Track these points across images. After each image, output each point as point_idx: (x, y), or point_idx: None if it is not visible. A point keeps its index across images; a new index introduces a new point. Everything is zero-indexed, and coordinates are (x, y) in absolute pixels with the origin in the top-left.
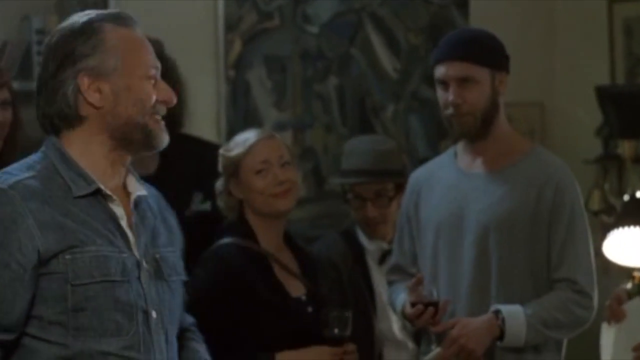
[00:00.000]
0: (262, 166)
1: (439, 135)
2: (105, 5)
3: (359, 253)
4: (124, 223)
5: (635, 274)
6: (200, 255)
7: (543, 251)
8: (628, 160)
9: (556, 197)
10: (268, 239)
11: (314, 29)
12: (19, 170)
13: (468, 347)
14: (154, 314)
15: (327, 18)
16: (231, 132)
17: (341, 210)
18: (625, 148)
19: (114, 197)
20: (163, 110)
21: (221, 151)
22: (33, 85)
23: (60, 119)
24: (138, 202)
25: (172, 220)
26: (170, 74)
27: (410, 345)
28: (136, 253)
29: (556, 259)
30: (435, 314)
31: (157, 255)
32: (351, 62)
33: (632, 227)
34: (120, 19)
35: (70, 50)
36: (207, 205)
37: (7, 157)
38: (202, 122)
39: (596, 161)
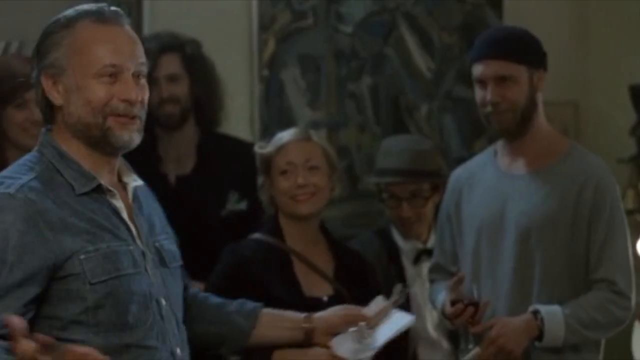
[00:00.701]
0: (286, 167)
1: (473, 135)
2: (139, 6)
3: (393, 252)
4: (125, 216)
5: None
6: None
7: (582, 251)
8: None
9: (596, 197)
10: (295, 237)
11: (347, 29)
12: (20, 173)
13: (507, 348)
14: (163, 302)
15: (361, 17)
16: (265, 132)
17: (374, 209)
18: None
19: (114, 191)
20: (125, 108)
21: (256, 147)
22: None
23: (45, 117)
24: (134, 193)
25: (159, 207)
26: (205, 74)
27: (445, 344)
28: (140, 244)
29: (595, 260)
30: (475, 314)
31: (157, 244)
32: (385, 61)
33: None
34: (100, 15)
35: (38, 48)
36: (242, 205)
37: None
38: (236, 122)
39: (630, 160)
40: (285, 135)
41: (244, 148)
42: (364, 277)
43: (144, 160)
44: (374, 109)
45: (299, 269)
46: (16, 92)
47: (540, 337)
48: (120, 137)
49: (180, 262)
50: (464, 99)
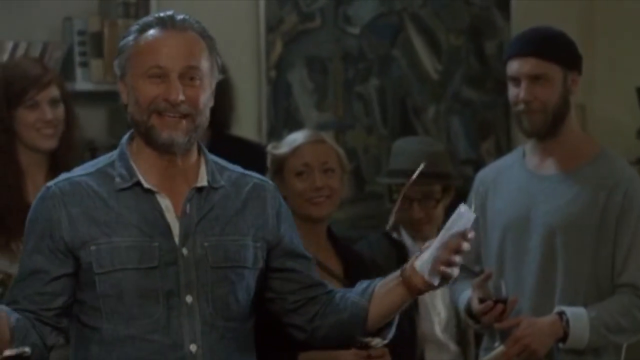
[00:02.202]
0: (303, 169)
1: (479, 137)
2: (147, 7)
3: (402, 254)
4: (169, 214)
5: None
6: None
7: (608, 255)
8: None
9: (625, 202)
10: (307, 239)
11: (355, 30)
12: (82, 169)
13: (531, 347)
14: (188, 299)
15: (369, 19)
16: (272, 133)
17: (381, 211)
18: None
19: (155, 189)
20: (166, 106)
21: (269, 148)
22: (75, 86)
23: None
24: (206, 193)
25: (267, 212)
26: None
27: (452, 347)
28: (176, 240)
29: (620, 264)
30: (504, 312)
31: (206, 244)
32: (392, 63)
33: None
34: (165, 22)
35: (117, 53)
36: None
37: (62, 156)
38: (244, 123)
39: (637, 162)
40: (300, 137)
41: (253, 149)
42: (368, 277)
43: None
44: (381, 110)
45: None
46: (26, 93)
47: (564, 338)
48: (160, 135)
49: (241, 264)
50: (471, 101)
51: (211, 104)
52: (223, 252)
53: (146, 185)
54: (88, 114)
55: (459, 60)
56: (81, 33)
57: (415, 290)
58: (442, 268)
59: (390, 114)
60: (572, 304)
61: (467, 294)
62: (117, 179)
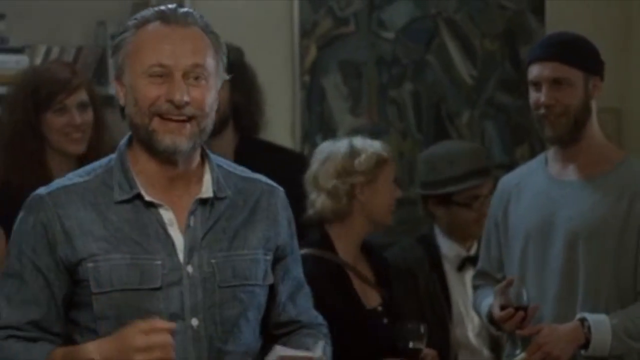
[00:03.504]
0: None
1: (514, 142)
2: None
3: (436, 259)
4: (172, 228)
5: None
6: None
7: (631, 262)
8: None
9: None
10: (346, 249)
11: (389, 35)
12: (76, 175)
13: (553, 354)
14: (194, 322)
15: (403, 24)
16: (306, 138)
17: (416, 216)
18: None
19: (158, 202)
20: (169, 109)
21: (374, 150)
22: (109, 89)
23: (123, 118)
24: (210, 204)
25: (279, 221)
26: (245, 81)
27: (486, 352)
28: (181, 258)
29: None
30: (525, 319)
31: (214, 260)
32: (427, 68)
33: None
34: (166, 16)
35: (111, 49)
36: None
37: (91, 160)
38: (277, 128)
39: None
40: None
41: (284, 155)
42: (400, 283)
43: None
44: (416, 115)
45: (355, 281)
46: (54, 97)
47: (586, 345)
48: (162, 140)
49: (251, 282)
50: (506, 106)
51: (216, 105)
52: (231, 270)
53: (147, 197)
54: (121, 119)
55: (494, 65)
56: (115, 37)
57: None
58: None
59: (424, 119)
60: (594, 310)
61: (489, 300)
62: (116, 190)
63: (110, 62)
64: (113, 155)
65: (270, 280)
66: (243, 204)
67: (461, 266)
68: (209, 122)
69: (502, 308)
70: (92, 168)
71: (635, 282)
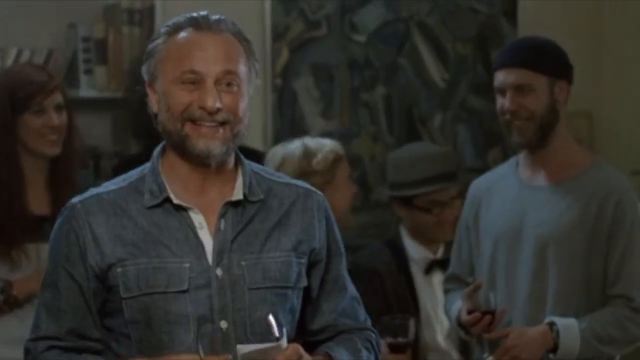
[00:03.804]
0: None
1: (486, 145)
2: (152, 14)
3: (403, 262)
4: (203, 231)
5: None
6: None
7: (600, 266)
8: None
9: (616, 213)
10: None
11: (361, 38)
12: (111, 183)
13: (521, 358)
14: (223, 324)
15: (375, 27)
16: (277, 141)
17: (387, 219)
18: None
19: (187, 205)
20: (201, 115)
21: (329, 149)
22: (79, 93)
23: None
24: (242, 207)
25: (314, 224)
26: None
27: (455, 354)
28: (210, 260)
29: (613, 275)
30: (492, 323)
31: (243, 263)
32: (399, 71)
33: None
34: (199, 22)
35: (144, 55)
36: None
37: (63, 163)
38: (249, 131)
39: None
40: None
41: (256, 157)
42: (366, 285)
43: None
44: (388, 119)
45: None
46: (33, 98)
47: (554, 349)
48: (196, 145)
49: (288, 284)
50: (478, 110)
51: (249, 112)
52: (262, 272)
53: (176, 200)
54: (92, 121)
55: (466, 69)
56: (85, 40)
57: None
58: None
59: (396, 122)
60: (563, 315)
61: (459, 304)
62: (147, 195)
63: (144, 68)
64: (148, 164)
65: (303, 283)
66: (278, 207)
67: (428, 269)
68: (242, 127)
69: (470, 312)
70: (128, 176)
71: (605, 286)
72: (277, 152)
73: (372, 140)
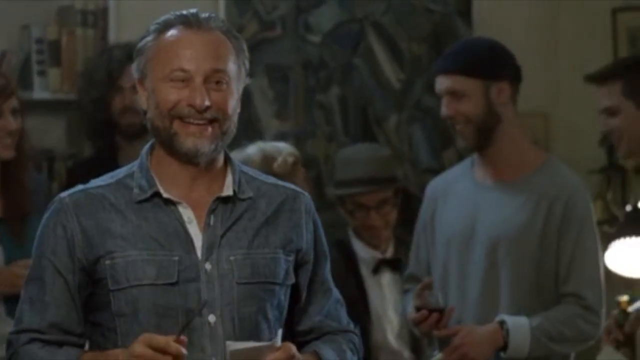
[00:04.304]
0: None
1: (441, 145)
2: (105, 16)
3: (352, 262)
4: (192, 226)
5: (622, 299)
6: None
7: (552, 265)
8: (631, 170)
9: (566, 212)
10: None
11: (316, 39)
12: (100, 180)
13: (469, 356)
14: (211, 318)
15: (330, 27)
16: (232, 142)
17: (342, 220)
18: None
19: (177, 200)
20: (189, 112)
21: (287, 151)
22: (32, 94)
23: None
24: (232, 204)
25: (301, 224)
26: None
27: (407, 354)
28: (199, 255)
29: (564, 274)
30: (440, 320)
31: (232, 258)
32: (354, 71)
33: (634, 238)
34: (188, 20)
35: (134, 53)
36: None
37: (16, 165)
38: None
39: (600, 171)
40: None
41: None
42: None
43: (105, 169)
44: (343, 119)
45: None
46: None
47: (505, 347)
48: (184, 143)
49: (276, 280)
50: (433, 110)
51: (239, 110)
52: (250, 267)
53: (165, 195)
54: (46, 123)
55: (421, 69)
56: (39, 41)
57: None
58: None
59: (351, 123)
60: (515, 314)
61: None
62: (136, 190)
63: (134, 65)
64: (135, 162)
65: (291, 280)
66: (266, 206)
67: (376, 269)
68: (232, 125)
69: (419, 310)
70: (115, 174)
71: (557, 285)
72: (235, 157)
73: (327, 140)
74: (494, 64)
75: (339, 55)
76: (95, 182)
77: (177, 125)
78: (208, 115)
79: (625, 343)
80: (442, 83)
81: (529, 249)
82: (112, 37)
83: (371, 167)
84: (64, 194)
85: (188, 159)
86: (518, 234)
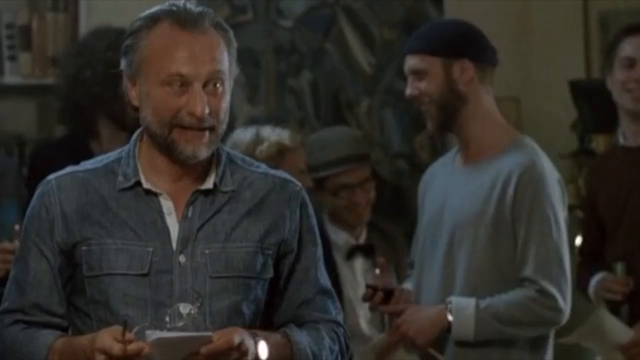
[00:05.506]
0: None
1: (413, 130)
2: (75, 3)
3: (326, 248)
4: (171, 217)
5: None
6: None
7: (510, 250)
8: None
9: (517, 194)
10: None
11: (287, 23)
12: (89, 162)
13: (409, 335)
14: (182, 309)
15: (301, 12)
16: None
17: (315, 204)
18: (599, 143)
19: (158, 191)
20: (190, 121)
21: (277, 139)
22: (3, 79)
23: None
24: (212, 197)
25: (285, 214)
26: None
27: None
28: (174, 246)
29: (519, 258)
30: (387, 300)
31: (207, 251)
32: (325, 56)
33: None
34: (180, 18)
35: (122, 48)
36: None
37: None
38: None
39: (571, 156)
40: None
41: None
42: None
43: (70, 154)
44: (314, 104)
45: None
46: None
47: (450, 328)
48: (184, 150)
49: (251, 274)
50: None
51: (229, 105)
52: (224, 261)
53: (146, 185)
54: (16, 108)
55: (393, 54)
56: (9, 26)
57: None
58: None
59: (323, 108)
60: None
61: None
62: (120, 178)
63: (123, 61)
64: (126, 146)
65: (268, 274)
66: (250, 198)
67: (350, 254)
68: (224, 126)
69: (368, 288)
70: (106, 157)
71: (516, 269)
72: (234, 136)
73: (299, 125)
74: (455, 42)
75: (311, 40)
76: (85, 165)
77: (176, 133)
78: (206, 124)
79: None
80: (407, 63)
81: (483, 234)
82: (83, 21)
83: (351, 145)
84: (51, 176)
85: (182, 161)
86: (471, 218)
